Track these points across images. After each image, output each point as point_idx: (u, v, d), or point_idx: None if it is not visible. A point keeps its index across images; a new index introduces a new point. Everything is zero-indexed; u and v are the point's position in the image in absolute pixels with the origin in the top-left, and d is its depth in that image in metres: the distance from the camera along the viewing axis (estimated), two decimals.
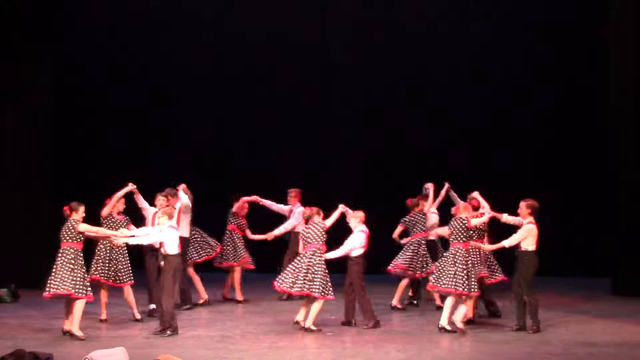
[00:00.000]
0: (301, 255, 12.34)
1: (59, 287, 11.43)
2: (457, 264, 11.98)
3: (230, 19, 18.58)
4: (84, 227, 11.73)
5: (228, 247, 14.56)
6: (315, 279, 12.02)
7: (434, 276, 12.25)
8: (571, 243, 17.96)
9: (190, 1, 18.71)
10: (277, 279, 12.34)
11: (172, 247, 11.70)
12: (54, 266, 11.59)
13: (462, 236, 12.12)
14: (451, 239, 12.22)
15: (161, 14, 18.55)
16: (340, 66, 18.47)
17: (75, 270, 11.54)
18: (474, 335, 11.92)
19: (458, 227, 12.17)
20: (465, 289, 11.89)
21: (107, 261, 12.59)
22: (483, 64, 18.33)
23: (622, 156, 15.84)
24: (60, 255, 11.64)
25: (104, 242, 12.55)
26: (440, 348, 11.11)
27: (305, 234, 12.34)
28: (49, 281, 11.55)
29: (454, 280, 11.92)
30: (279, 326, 12.47)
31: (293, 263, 12.40)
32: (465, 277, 11.92)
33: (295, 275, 12.15)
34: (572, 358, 10.58)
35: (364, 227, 12.42)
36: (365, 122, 18.50)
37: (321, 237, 12.22)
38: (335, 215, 12.42)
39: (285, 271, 12.40)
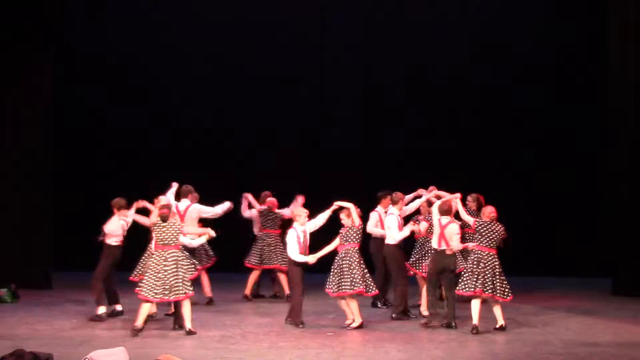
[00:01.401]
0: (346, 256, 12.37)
1: (188, 290, 11.74)
2: (495, 270, 12.04)
3: (231, 19, 18.59)
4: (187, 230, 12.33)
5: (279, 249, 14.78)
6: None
7: (480, 284, 12.10)
8: (571, 243, 17.96)
9: (191, 1, 18.72)
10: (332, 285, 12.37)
11: None
12: (170, 271, 11.66)
13: (496, 243, 12.13)
14: (483, 244, 12.11)
15: (162, 14, 18.57)
16: (341, 66, 18.48)
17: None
18: (474, 335, 11.90)
19: (496, 234, 12.12)
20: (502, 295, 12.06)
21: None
22: (482, 63, 18.32)
23: (622, 156, 15.83)
24: (173, 259, 11.71)
25: None
26: (440, 348, 11.09)
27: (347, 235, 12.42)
28: (181, 284, 11.67)
29: (502, 286, 12.06)
30: (279, 326, 12.47)
31: (343, 266, 12.34)
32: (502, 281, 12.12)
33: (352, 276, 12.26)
34: (572, 358, 10.56)
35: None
36: (365, 122, 18.51)
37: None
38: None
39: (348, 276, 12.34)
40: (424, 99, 18.35)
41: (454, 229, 12.38)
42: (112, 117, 18.60)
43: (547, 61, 18.27)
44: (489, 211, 12.26)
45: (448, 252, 12.41)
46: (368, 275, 12.44)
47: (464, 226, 13.64)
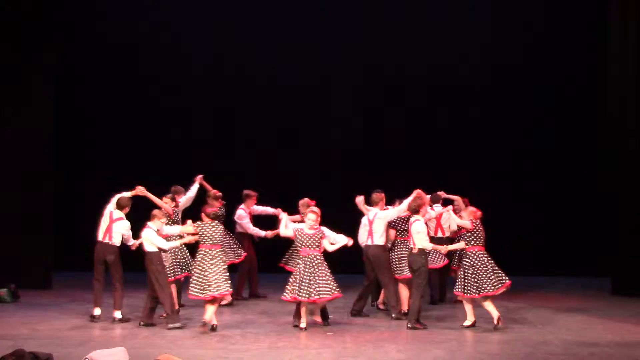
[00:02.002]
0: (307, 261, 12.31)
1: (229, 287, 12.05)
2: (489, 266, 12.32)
3: (231, 19, 18.59)
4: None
5: None
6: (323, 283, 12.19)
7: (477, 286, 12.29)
8: (571, 243, 17.97)
9: (190, 1, 18.73)
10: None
11: None
12: (217, 268, 11.96)
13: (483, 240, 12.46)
14: (480, 243, 12.37)
15: (161, 14, 18.58)
16: (341, 65, 18.48)
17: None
18: (474, 335, 11.91)
19: (482, 231, 12.43)
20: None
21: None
22: (482, 63, 18.34)
23: (622, 156, 15.82)
24: (219, 256, 12.05)
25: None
26: (440, 348, 11.09)
27: (305, 238, 12.32)
28: (212, 283, 11.92)
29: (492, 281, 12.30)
30: (279, 326, 12.47)
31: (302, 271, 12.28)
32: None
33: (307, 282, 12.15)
34: (572, 358, 10.56)
35: None
36: (365, 122, 18.51)
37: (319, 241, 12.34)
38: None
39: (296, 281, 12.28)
40: (424, 99, 18.35)
41: (416, 227, 12.44)
42: (112, 116, 18.60)
43: (547, 61, 18.27)
44: (475, 210, 12.54)
45: (414, 251, 12.41)
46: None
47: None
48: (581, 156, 18.13)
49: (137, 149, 18.44)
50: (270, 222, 14.69)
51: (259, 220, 15.09)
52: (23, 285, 15.06)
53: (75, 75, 18.36)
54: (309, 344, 11.28)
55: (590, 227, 17.72)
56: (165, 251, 12.38)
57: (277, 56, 18.50)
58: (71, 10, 17.66)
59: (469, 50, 18.36)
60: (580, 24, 18.00)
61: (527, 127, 18.28)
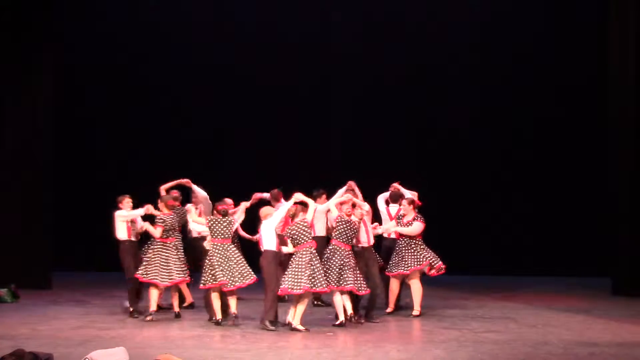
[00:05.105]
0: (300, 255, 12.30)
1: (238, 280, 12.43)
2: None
3: (230, 18, 18.60)
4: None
5: None
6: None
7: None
8: (571, 243, 17.97)
9: (190, 2, 18.73)
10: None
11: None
12: (222, 261, 12.31)
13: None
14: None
15: (161, 13, 18.59)
16: (340, 65, 18.48)
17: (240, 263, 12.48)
18: (474, 335, 11.91)
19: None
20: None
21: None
22: (482, 63, 18.34)
23: (622, 156, 15.82)
24: (226, 250, 12.41)
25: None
26: (441, 348, 11.09)
27: (294, 232, 12.30)
28: (213, 274, 12.32)
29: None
30: (279, 326, 12.45)
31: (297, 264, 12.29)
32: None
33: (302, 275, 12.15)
34: (572, 358, 10.55)
35: None
36: (365, 121, 18.52)
37: (310, 234, 12.36)
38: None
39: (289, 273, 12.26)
40: (424, 99, 18.35)
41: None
42: (112, 119, 18.61)
43: (547, 61, 18.28)
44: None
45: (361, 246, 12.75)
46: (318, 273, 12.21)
47: None
48: (581, 155, 18.13)
49: (137, 149, 18.44)
50: None
51: None
52: (23, 285, 15.06)
53: (75, 75, 18.36)
54: (309, 344, 11.27)
55: (590, 227, 17.73)
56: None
57: (277, 56, 18.49)
58: (71, 10, 17.66)
59: (467, 51, 18.37)
60: (580, 24, 17.99)
61: (527, 126, 18.28)
